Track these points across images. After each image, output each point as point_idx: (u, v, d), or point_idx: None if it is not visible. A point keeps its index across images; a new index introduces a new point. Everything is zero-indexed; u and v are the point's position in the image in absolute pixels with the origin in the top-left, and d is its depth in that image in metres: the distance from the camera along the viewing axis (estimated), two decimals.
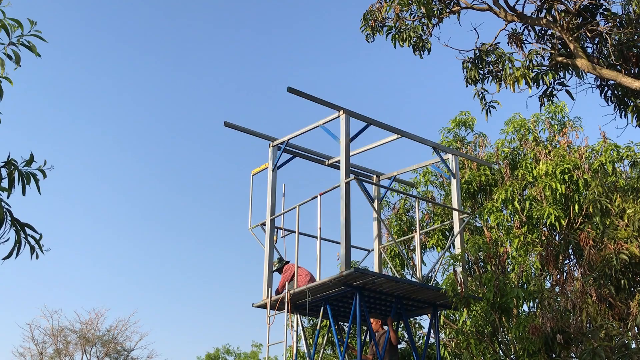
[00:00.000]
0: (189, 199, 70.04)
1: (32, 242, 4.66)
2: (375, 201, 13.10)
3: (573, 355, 9.09)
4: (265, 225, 12.29)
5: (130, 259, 65.31)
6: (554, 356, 10.15)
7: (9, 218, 4.49)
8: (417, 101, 71.67)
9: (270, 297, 11.56)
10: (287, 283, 11.78)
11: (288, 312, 11.25)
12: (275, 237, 12.28)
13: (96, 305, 67.47)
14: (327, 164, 13.15)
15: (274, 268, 12.10)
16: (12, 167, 4.46)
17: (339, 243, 12.54)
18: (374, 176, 13.73)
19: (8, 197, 4.46)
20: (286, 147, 12.41)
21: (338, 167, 12.56)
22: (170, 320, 63.93)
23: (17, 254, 4.60)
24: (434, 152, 12.78)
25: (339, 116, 11.09)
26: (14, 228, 4.54)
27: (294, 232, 11.94)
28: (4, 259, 4.58)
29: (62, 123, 61.45)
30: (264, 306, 11.70)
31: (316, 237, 12.38)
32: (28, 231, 4.65)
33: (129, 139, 68.25)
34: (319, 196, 11.21)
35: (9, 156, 4.51)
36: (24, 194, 4.53)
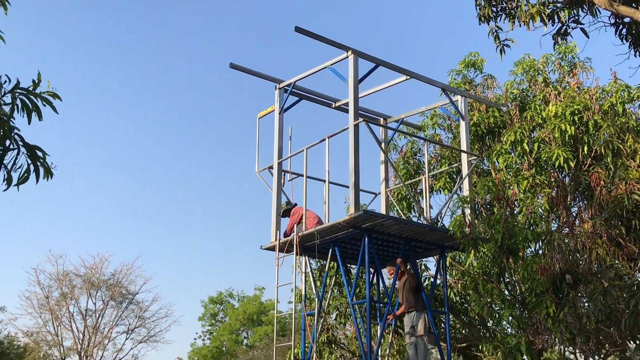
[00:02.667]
0: (195, 143, 69.98)
1: (41, 167, 4.58)
2: (383, 144, 13.03)
3: (582, 295, 9.16)
4: (272, 168, 12.26)
5: (134, 203, 65.68)
6: (561, 296, 10.26)
7: (20, 143, 4.42)
8: (425, 43, 70.80)
9: (279, 240, 11.63)
10: (295, 226, 11.81)
11: (296, 254, 11.32)
12: (282, 180, 12.27)
13: (100, 250, 68.20)
14: (334, 106, 13.02)
15: (282, 211, 12.13)
16: (19, 93, 4.33)
17: (346, 186, 12.59)
18: (381, 119, 13.63)
19: (8, 121, 4.36)
20: (293, 90, 12.27)
21: (345, 110, 12.49)
22: (174, 265, 64.72)
23: (36, 180, 4.54)
24: (443, 94, 12.65)
25: (347, 57, 10.92)
26: (26, 154, 4.46)
27: (302, 175, 11.93)
28: (19, 183, 4.53)
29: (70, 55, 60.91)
30: (272, 248, 11.77)
31: (324, 181, 12.42)
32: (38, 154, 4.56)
33: (139, 75, 67.64)
34: (327, 139, 11.14)
35: (17, 83, 4.38)
36: (29, 122, 4.45)
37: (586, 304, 8.89)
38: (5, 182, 4.51)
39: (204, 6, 69.78)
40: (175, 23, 69.17)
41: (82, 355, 35.80)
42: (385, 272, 11.61)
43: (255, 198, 73.66)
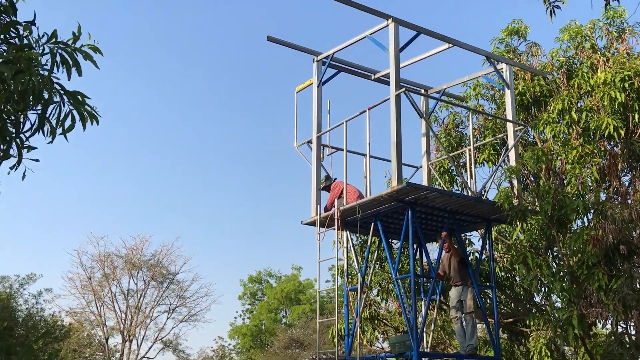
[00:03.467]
0: (234, 118, 70.07)
1: (85, 113, 4.46)
2: (424, 117, 12.72)
3: (638, 266, 8.81)
4: (311, 142, 12.07)
5: (173, 183, 66.21)
6: (613, 269, 9.91)
7: (61, 92, 4.28)
8: (467, 11, 69.52)
9: (320, 215, 11.46)
10: (335, 200, 11.62)
11: (338, 229, 11.15)
12: (321, 154, 12.07)
13: (140, 231, 69.18)
14: (374, 78, 12.73)
15: (322, 186, 11.96)
16: (58, 47, 4.19)
17: (387, 160, 12.34)
18: (422, 90, 13.31)
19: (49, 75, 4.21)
20: (331, 62, 12.01)
21: (385, 82, 12.21)
22: (213, 245, 65.33)
23: (83, 127, 4.41)
24: (486, 63, 12.27)
25: (387, 25, 10.62)
26: (69, 102, 4.33)
27: (341, 149, 11.72)
28: (65, 132, 4.40)
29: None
30: (313, 223, 11.61)
31: (363, 155, 12.19)
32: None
33: (174, 48, 67.84)
34: (367, 110, 10.89)
35: (54, 34, 4.24)
36: (69, 78, 4.30)
37: None
38: (50, 134, 4.38)
39: None
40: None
41: (124, 334, 36.39)
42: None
43: (294, 174, 73.61)
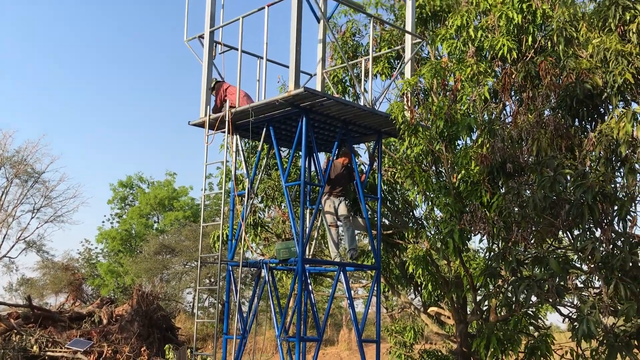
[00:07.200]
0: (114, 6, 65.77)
1: None
2: (322, 21, 12.27)
3: (525, 183, 9.08)
4: (203, 38, 11.38)
5: (42, 75, 61.84)
6: (495, 187, 10.20)
7: None
8: None
9: (209, 116, 10.98)
10: (223, 103, 11.20)
11: (229, 132, 10.72)
12: (214, 52, 11.43)
13: (2, 126, 64.65)
14: None
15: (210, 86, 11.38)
16: None
17: (282, 65, 11.92)
18: None
19: None
20: None
21: None
22: (85, 144, 62.36)
23: None
24: None
25: None
26: None
27: (235, 48, 11.16)
28: None
29: None
30: (201, 125, 11.16)
31: (257, 57, 11.71)
32: None
33: None
34: (266, 7, 10.28)
35: None
36: None
37: (528, 193, 8.81)
38: None
39: None
40: None
41: None
42: (338, 163, 11.21)
43: (180, 71, 71.00)
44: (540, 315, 11.26)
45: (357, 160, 12.84)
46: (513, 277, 8.67)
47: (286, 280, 16.23)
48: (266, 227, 14.52)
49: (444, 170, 11.73)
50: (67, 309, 23.50)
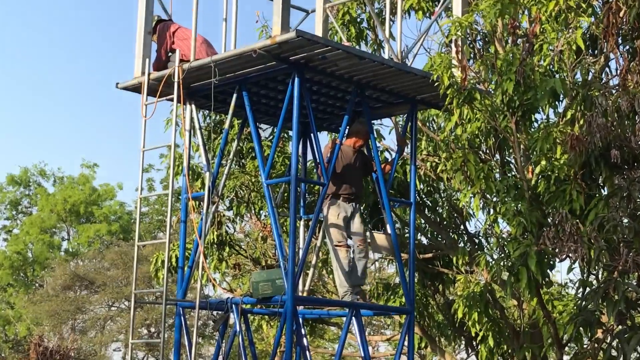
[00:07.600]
0: None
1: None
2: None
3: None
4: None
5: None
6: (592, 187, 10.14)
7: None
8: None
9: (148, 75, 11.02)
10: (170, 53, 11.36)
11: (179, 100, 10.73)
12: None
13: None
14: None
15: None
16: None
17: None
18: None
19: None
20: None
21: None
22: None
23: None
24: None
25: None
26: None
27: None
28: None
29: None
30: (137, 89, 11.26)
31: None
32: None
33: None
34: None
35: None
36: None
37: None
38: None
39: None
40: None
41: None
42: (348, 147, 11.24)
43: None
44: None
45: (378, 144, 12.81)
46: (620, 326, 8.58)
47: (268, 331, 16.21)
48: (237, 248, 14.53)
49: (513, 161, 11.69)
50: None
